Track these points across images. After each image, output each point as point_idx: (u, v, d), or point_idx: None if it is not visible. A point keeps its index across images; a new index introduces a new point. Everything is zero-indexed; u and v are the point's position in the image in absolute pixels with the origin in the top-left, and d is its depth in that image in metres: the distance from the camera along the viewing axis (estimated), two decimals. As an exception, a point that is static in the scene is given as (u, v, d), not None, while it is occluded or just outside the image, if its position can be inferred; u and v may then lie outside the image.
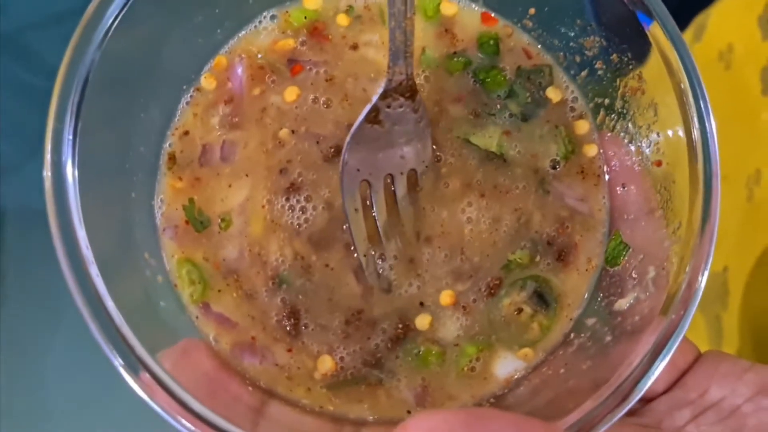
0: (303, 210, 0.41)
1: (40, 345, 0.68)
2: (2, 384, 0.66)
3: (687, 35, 0.71)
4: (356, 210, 0.41)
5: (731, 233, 0.66)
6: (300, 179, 0.42)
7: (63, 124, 0.34)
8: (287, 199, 0.41)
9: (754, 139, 0.62)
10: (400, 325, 0.40)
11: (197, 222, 0.41)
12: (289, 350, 0.40)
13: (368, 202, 0.41)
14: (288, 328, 0.40)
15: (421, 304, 0.41)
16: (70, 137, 0.34)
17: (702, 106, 0.37)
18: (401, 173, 0.41)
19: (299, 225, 0.41)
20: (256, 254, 0.41)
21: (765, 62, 0.59)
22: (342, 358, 0.40)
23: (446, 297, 0.41)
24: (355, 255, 0.41)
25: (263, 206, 0.41)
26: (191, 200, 0.41)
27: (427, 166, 0.42)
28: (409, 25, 0.36)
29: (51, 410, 0.68)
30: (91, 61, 0.35)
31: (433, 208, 0.42)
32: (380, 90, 0.38)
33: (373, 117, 0.39)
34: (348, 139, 0.40)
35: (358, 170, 0.40)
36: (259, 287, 0.41)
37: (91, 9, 0.35)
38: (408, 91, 0.39)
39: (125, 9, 0.36)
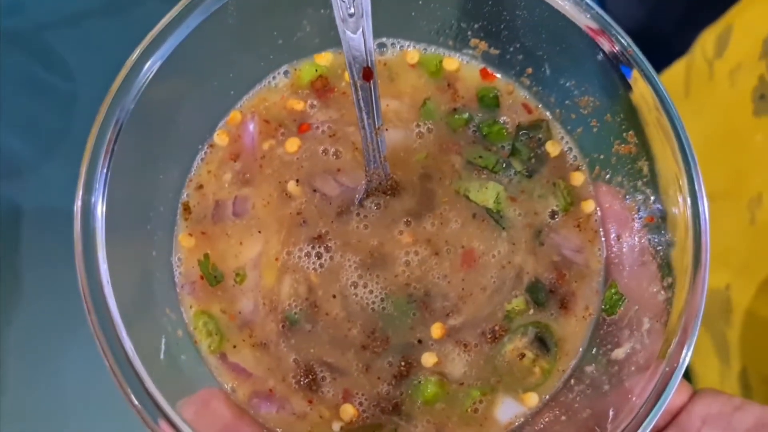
0: (318, 256, 0.42)
1: (57, 343, 0.66)
2: (16, 384, 0.65)
3: (709, 47, 0.69)
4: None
5: (733, 252, 0.65)
6: (318, 230, 0.43)
7: (90, 196, 0.36)
8: (304, 250, 0.42)
9: (752, 161, 0.62)
10: (403, 363, 0.41)
11: (211, 277, 0.42)
12: (310, 401, 0.41)
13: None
14: (307, 383, 0.41)
15: (419, 341, 0.42)
16: (98, 205, 0.36)
17: (691, 163, 0.38)
18: None
19: (314, 269, 0.42)
20: (270, 304, 0.42)
21: (756, 82, 0.59)
22: (361, 404, 0.41)
23: (437, 329, 0.42)
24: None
25: (276, 258, 0.42)
26: (206, 255, 0.42)
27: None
28: (378, 134, 0.38)
29: (64, 411, 0.67)
30: (116, 124, 0.37)
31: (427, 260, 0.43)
32: (362, 190, 0.42)
33: (359, 212, 0.42)
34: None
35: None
36: (273, 338, 0.41)
37: (119, 79, 0.37)
38: (389, 189, 0.42)
39: (150, 76, 0.38)
